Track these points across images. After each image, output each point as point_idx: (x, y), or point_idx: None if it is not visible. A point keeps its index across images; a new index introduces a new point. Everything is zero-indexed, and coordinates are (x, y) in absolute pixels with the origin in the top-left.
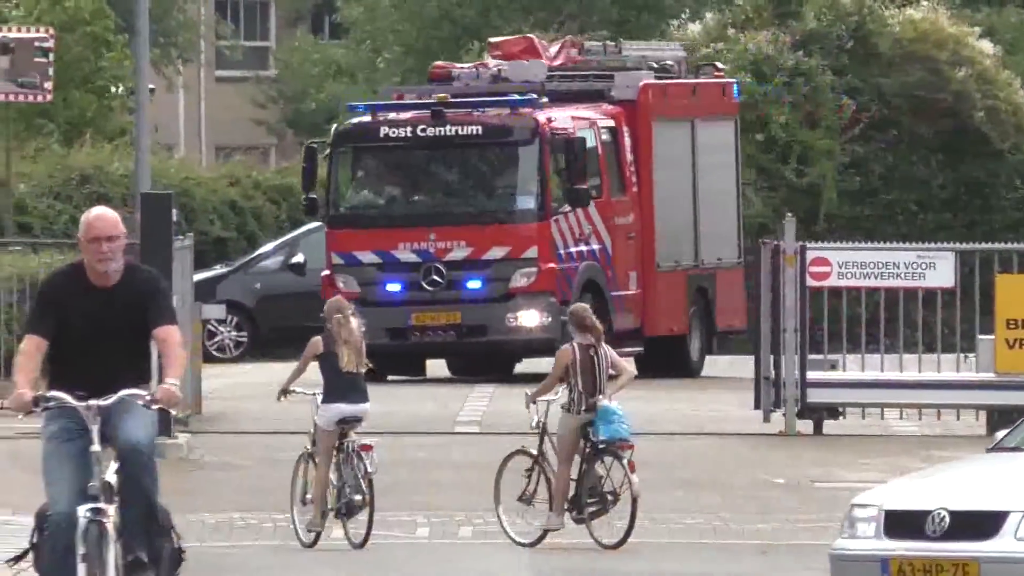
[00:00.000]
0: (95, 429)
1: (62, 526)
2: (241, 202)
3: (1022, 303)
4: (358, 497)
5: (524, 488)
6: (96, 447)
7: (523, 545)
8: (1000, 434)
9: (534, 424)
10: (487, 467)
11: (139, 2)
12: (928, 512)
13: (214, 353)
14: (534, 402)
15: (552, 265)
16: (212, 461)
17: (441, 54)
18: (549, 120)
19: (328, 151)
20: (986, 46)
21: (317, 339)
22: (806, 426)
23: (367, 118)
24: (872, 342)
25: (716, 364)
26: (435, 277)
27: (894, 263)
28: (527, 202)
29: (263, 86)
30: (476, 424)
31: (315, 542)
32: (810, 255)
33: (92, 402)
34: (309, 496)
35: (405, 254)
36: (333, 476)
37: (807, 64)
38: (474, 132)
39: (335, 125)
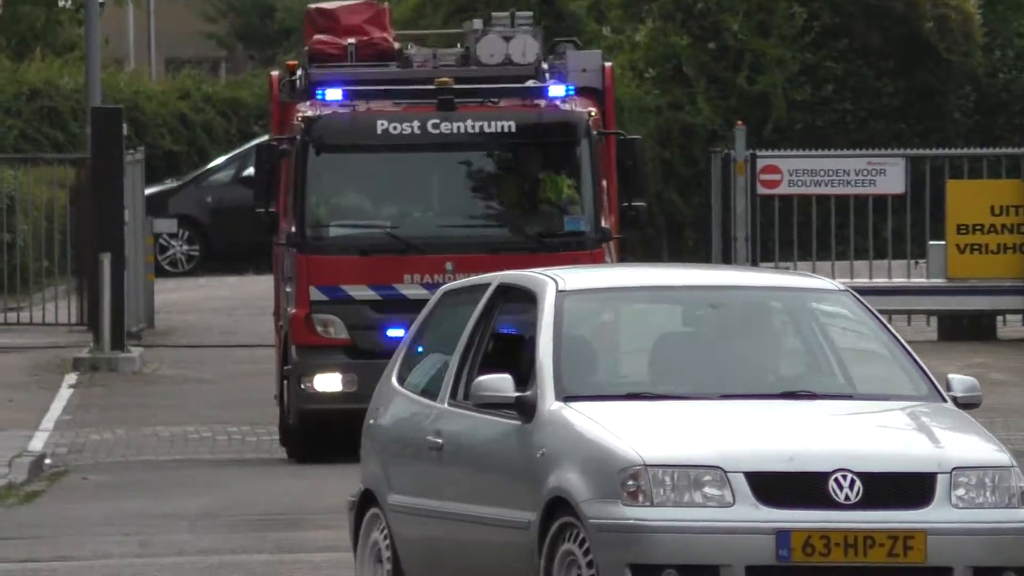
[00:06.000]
0: None
1: None
2: (191, 116)
3: (973, 209)
4: None
5: None
6: None
7: None
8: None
9: None
10: None
11: None
12: (827, 474)
13: (166, 267)
14: None
15: None
16: (166, 375)
17: None
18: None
19: (296, 148)
20: None
21: None
22: None
23: (345, 107)
24: (823, 249)
25: None
26: None
27: (844, 170)
28: (577, 223)
29: None
30: None
31: None
32: (760, 163)
33: None
34: None
35: (413, 289)
36: None
37: None
38: (505, 129)
39: (306, 114)
